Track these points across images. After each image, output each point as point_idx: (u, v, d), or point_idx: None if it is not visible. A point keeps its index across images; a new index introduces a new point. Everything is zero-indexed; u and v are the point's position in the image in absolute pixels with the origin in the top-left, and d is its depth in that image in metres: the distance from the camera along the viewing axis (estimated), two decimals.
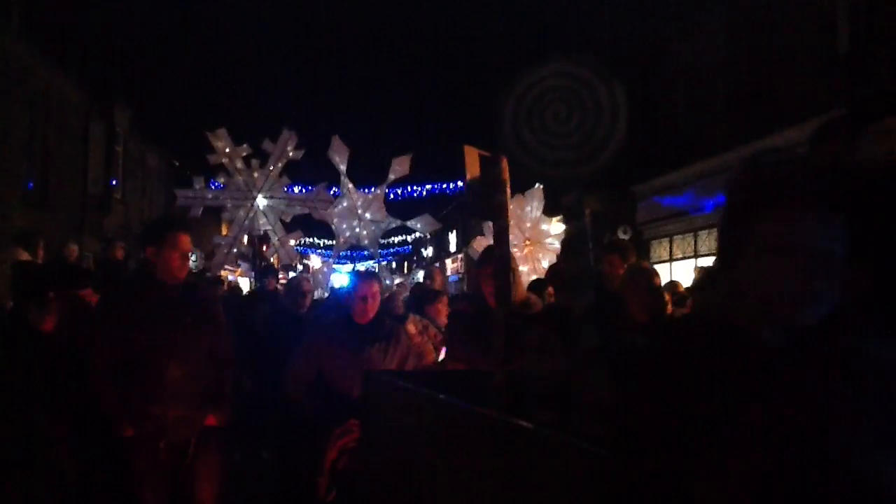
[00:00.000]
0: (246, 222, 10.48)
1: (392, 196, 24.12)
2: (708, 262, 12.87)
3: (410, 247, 43.82)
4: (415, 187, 24.17)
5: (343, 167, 9.97)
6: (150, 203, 25.76)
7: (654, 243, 15.58)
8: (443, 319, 5.93)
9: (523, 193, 9.05)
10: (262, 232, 10.67)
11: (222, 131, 10.36)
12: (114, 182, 21.09)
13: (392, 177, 10.10)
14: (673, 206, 14.39)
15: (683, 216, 13.99)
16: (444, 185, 25.85)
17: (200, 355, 3.73)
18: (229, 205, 10.52)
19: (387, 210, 10.67)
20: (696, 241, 14.19)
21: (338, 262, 14.89)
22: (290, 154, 10.53)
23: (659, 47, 15.61)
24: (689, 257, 14.14)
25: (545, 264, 8.53)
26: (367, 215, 10.37)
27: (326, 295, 11.42)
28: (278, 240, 10.83)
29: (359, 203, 10.32)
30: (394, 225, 10.69)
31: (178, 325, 3.64)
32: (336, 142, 9.97)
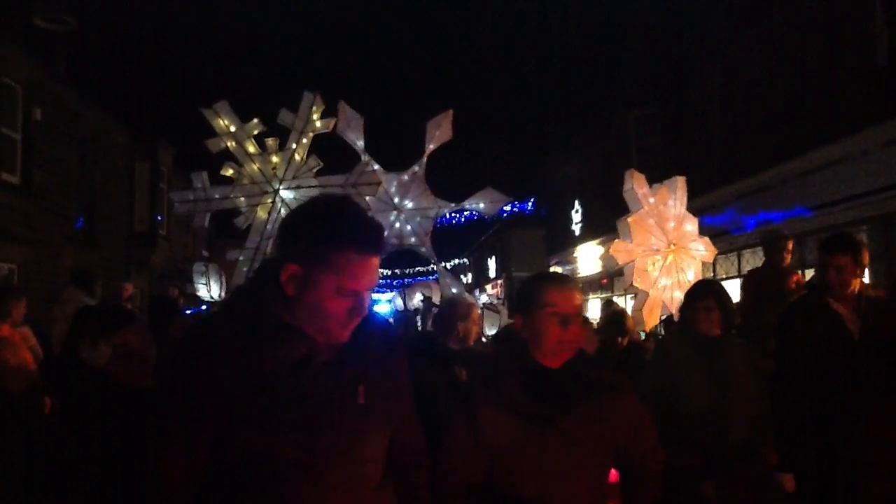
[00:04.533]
0: (269, 226, 7.47)
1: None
2: None
3: None
4: (453, 214, 24.09)
5: (360, 143, 7.53)
6: (195, 239, 26.25)
7: None
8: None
9: (662, 183, 7.36)
10: None
11: (222, 105, 7.58)
12: (159, 219, 21.55)
13: (431, 146, 7.74)
14: (714, 226, 14.26)
15: (725, 235, 13.85)
16: None
17: (376, 470, 1.89)
18: (244, 204, 7.68)
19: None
20: (739, 261, 14.03)
21: (377, 291, 13.89)
22: (318, 124, 7.58)
23: (692, 67, 15.58)
24: (732, 277, 13.98)
25: (690, 276, 6.74)
26: (408, 203, 7.90)
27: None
28: None
29: (392, 189, 7.87)
30: (445, 210, 8.08)
31: (335, 414, 1.77)
32: (344, 110, 7.58)
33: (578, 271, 22.92)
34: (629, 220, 6.81)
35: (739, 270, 13.91)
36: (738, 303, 5.40)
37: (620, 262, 6.85)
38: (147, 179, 21.06)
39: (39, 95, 14.75)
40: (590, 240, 22.02)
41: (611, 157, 19.91)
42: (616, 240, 6.85)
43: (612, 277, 21.12)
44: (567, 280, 2.42)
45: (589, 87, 21.30)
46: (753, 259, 13.74)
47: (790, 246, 6.12)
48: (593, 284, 22.33)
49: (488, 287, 37.45)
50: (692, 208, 15.25)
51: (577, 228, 23.71)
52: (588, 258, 22.45)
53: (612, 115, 19.68)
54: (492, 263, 38.30)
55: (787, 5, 12.20)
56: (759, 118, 13.06)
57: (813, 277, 4.09)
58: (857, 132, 10.08)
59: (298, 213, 1.84)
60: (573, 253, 23.68)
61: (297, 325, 1.77)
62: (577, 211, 23.76)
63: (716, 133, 14.84)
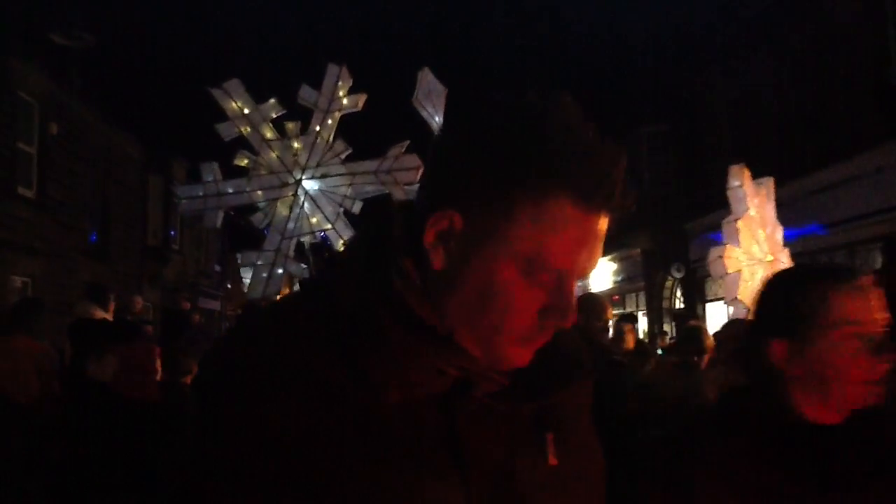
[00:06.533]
0: (291, 224, 6.40)
1: None
2: None
3: None
4: None
5: (438, 118, 6.15)
6: (207, 253, 26.35)
7: (709, 281, 15.37)
8: None
9: (760, 182, 6.47)
10: (317, 235, 6.47)
11: (233, 84, 6.45)
12: (172, 233, 21.66)
13: None
14: None
15: None
16: None
17: None
18: (262, 199, 6.49)
19: None
20: None
21: None
22: (345, 102, 6.43)
23: (704, 84, 15.58)
24: None
25: None
26: None
27: None
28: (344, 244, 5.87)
29: None
30: None
31: (511, 483, 0.91)
32: (426, 78, 6.21)
33: (590, 287, 22.83)
34: (738, 223, 5.97)
35: None
36: None
37: (730, 271, 5.97)
38: (160, 194, 21.19)
39: (55, 110, 14.90)
40: (601, 255, 21.97)
41: None
42: (727, 245, 6.05)
43: (622, 294, 21.03)
44: (859, 276, 1.42)
45: (600, 103, 21.34)
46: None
47: None
48: None
49: None
50: (702, 226, 15.14)
51: None
52: (600, 273, 22.39)
53: (622, 131, 19.69)
54: None
55: (799, 23, 12.20)
56: (770, 135, 13.03)
57: None
58: (871, 149, 10.03)
59: (473, 129, 0.93)
60: None
61: (442, 329, 0.91)
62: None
63: (727, 150, 14.81)
